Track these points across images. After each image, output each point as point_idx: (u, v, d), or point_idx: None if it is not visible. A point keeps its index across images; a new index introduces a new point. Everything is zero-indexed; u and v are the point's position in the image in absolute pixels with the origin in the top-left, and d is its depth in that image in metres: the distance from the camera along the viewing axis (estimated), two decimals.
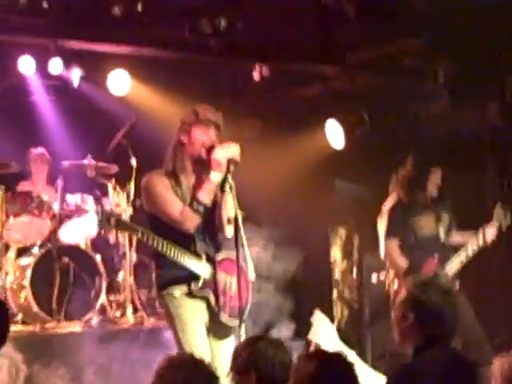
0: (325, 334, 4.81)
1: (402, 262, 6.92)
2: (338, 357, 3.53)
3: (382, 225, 7.14)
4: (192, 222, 5.22)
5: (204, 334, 5.25)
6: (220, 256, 5.35)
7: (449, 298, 3.91)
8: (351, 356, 4.54)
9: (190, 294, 5.22)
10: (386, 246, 7.04)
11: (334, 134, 9.30)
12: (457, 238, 7.25)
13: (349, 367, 3.45)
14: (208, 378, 3.59)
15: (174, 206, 5.21)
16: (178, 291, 5.21)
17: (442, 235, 7.16)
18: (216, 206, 5.37)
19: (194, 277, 5.21)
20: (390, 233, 7.04)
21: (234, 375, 3.92)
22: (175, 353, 4.18)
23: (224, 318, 5.28)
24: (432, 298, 3.85)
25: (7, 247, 7.97)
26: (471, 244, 7.04)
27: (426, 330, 3.82)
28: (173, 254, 5.15)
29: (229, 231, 5.30)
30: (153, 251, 5.27)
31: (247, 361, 3.84)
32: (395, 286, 7.03)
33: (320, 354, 3.69)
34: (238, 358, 3.92)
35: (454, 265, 7.00)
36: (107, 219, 5.10)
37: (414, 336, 3.84)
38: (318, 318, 4.80)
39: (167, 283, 5.25)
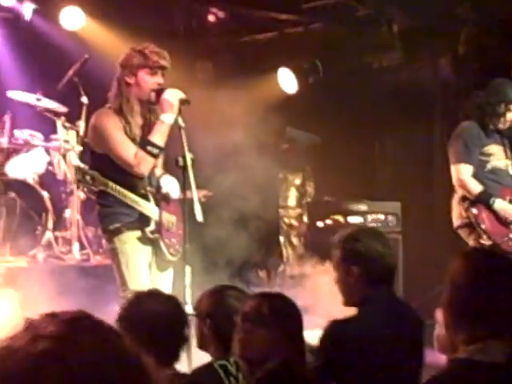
0: None
1: (475, 187, 6.59)
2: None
3: (453, 149, 6.76)
4: (147, 165, 5.22)
5: (147, 270, 5.33)
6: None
7: (384, 242, 3.93)
8: None
9: (140, 237, 5.29)
10: (457, 170, 6.64)
11: (287, 80, 9.33)
12: None
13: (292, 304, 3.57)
14: (178, 309, 3.74)
15: (127, 148, 5.19)
16: (128, 231, 5.26)
17: (511, 170, 6.86)
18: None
19: (145, 220, 5.27)
20: (463, 157, 6.65)
21: (195, 317, 4.03)
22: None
23: (169, 256, 5.38)
24: (370, 246, 3.85)
25: None
26: None
27: (372, 279, 3.83)
28: (131, 201, 5.20)
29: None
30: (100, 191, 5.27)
31: (207, 308, 3.95)
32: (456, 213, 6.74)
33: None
34: (200, 303, 4.02)
35: None
36: (83, 176, 5.10)
37: (360, 289, 3.84)
38: None
39: (116, 222, 5.28)
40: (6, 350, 1.47)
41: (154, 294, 3.84)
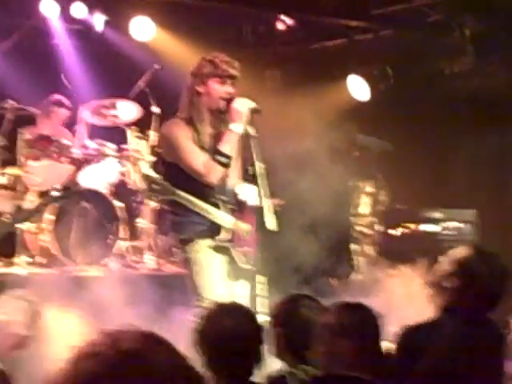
0: None
1: None
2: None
3: None
4: (216, 174, 5.22)
5: (220, 279, 5.32)
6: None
7: (492, 269, 3.73)
8: None
9: (212, 245, 5.28)
10: None
11: (357, 87, 9.27)
12: None
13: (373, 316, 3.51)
14: (256, 327, 3.67)
15: (197, 158, 5.21)
16: (200, 240, 5.26)
17: None
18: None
19: (217, 228, 5.25)
20: None
21: (270, 327, 4.00)
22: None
23: (241, 264, 5.36)
24: (487, 276, 3.68)
25: (27, 190, 8.00)
26: None
27: (464, 300, 3.71)
28: (202, 209, 5.19)
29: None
30: (174, 200, 5.28)
31: (281, 317, 3.92)
32: None
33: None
34: (274, 313, 4.00)
35: None
36: (150, 185, 5.12)
37: (449, 297, 3.74)
38: None
39: (189, 230, 5.29)
40: (87, 352, 1.60)
41: (233, 309, 3.76)
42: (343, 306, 3.59)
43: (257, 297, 5.04)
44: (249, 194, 5.43)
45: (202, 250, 5.28)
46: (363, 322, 3.45)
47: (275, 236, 5.40)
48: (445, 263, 3.83)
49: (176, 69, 8.52)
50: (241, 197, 5.40)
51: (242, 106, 5.23)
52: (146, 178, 5.28)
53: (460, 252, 3.84)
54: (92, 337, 1.63)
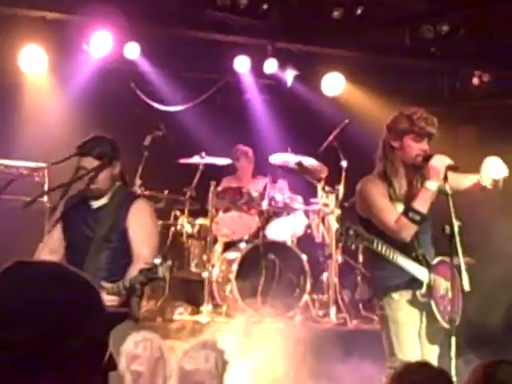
0: None
1: None
2: None
3: None
4: (408, 231, 5.08)
5: (417, 341, 5.12)
6: (436, 260, 5.21)
7: None
8: None
9: (411, 300, 5.12)
10: None
11: None
12: None
13: None
14: None
15: (390, 214, 5.09)
16: (399, 296, 5.12)
17: None
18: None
19: (416, 282, 5.11)
20: None
21: None
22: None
23: (443, 322, 5.11)
24: None
25: (215, 240, 8.14)
26: None
27: None
28: (401, 262, 5.06)
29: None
30: (371, 253, 5.18)
31: (478, 381, 3.72)
32: None
33: None
34: (472, 376, 3.80)
35: None
36: (347, 230, 5.06)
37: None
38: None
39: (387, 285, 5.14)
40: None
41: (425, 368, 3.61)
42: None
43: (451, 360, 4.81)
44: None
45: (402, 309, 5.11)
46: None
47: (467, 296, 5.21)
48: None
49: (365, 123, 8.49)
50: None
51: (440, 163, 5.09)
52: (343, 221, 5.23)
53: None
54: None
